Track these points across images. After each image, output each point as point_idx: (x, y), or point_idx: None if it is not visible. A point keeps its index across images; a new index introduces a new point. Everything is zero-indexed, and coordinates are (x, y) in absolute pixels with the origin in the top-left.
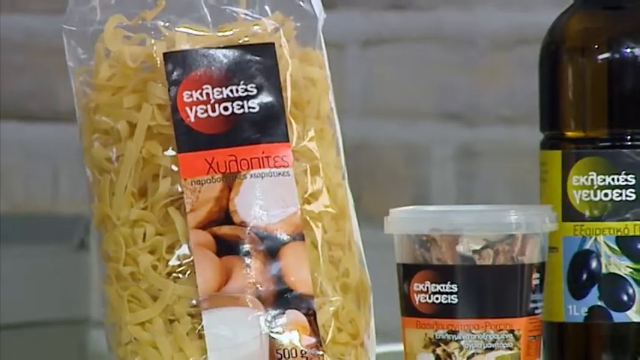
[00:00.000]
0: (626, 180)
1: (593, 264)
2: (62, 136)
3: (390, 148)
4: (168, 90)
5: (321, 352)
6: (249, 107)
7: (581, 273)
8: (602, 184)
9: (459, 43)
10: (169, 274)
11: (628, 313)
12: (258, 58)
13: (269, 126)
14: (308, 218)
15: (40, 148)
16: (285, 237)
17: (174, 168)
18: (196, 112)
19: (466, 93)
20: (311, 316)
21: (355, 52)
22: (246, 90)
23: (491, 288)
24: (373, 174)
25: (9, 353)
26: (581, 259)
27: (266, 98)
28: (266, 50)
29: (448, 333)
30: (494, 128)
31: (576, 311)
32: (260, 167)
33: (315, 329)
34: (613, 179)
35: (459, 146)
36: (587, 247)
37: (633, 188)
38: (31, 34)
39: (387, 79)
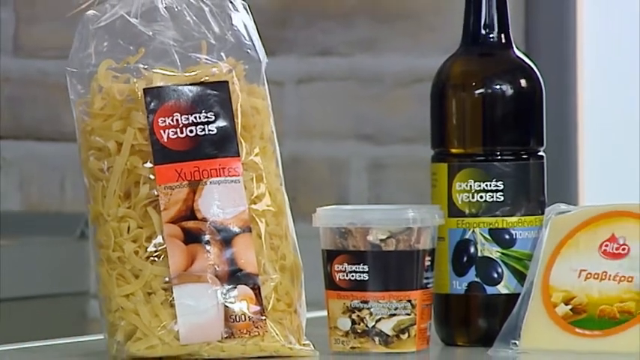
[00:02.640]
0: (497, 186)
1: (471, 249)
2: (67, 152)
3: (317, 161)
4: (147, 117)
5: (264, 317)
6: (209, 130)
7: (462, 256)
8: (478, 188)
9: (370, 82)
10: (148, 257)
11: (498, 287)
12: (215, 92)
13: (224, 144)
14: (254, 215)
15: (50, 161)
16: (236, 229)
17: (152, 177)
18: (168, 133)
19: (376, 119)
20: (256, 289)
21: (291, 88)
22: (206, 117)
23: (394, 268)
24: (305, 181)
25: (25, 319)
26: (462, 246)
27: (222, 123)
28: (222, 87)
29: (361, 302)
30: (398, 146)
31: (458, 285)
32: (217, 176)
33: (259, 300)
34: (486, 185)
35: (370, 160)
36: (466, 237)
37: (502, 192)
38: (43, 74)
39: (315, 109)
